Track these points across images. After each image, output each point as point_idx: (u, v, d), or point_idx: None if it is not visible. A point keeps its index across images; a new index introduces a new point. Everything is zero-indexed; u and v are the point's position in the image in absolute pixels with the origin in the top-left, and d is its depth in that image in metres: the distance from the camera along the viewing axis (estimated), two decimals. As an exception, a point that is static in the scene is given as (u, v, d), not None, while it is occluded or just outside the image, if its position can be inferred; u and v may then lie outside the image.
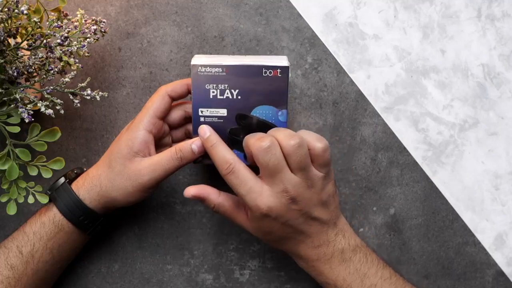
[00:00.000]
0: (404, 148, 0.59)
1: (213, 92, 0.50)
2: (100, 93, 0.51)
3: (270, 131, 0.49)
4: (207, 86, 0.50)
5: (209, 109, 0.51)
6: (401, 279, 0.51)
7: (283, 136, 0.46)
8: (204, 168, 0.59)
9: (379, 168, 0.59)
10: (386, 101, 0.59)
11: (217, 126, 0.51)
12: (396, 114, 0.59)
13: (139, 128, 0.51)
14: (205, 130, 0.49)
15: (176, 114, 0.53)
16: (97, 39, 0.52)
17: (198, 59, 0.50)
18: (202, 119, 0.51)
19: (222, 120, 0.51)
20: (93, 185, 0.51)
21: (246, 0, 0.58)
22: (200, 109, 0.51)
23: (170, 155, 0.50)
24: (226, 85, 0.50)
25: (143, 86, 0.59)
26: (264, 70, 0.49)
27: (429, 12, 0.58)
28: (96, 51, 0.58)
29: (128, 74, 0.59)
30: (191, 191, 0.50)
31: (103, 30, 0.53)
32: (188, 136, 0.55)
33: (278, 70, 0.49)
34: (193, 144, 0.50)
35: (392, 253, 0.60)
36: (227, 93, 0.50)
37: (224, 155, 0.47)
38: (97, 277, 0.60)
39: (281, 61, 0.50)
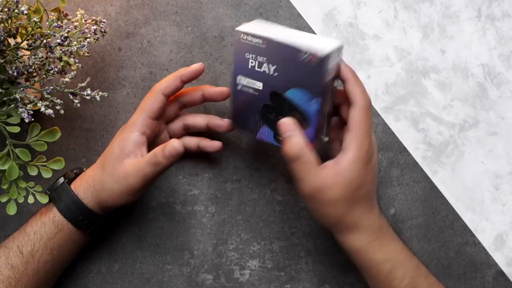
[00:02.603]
0: (404, 148, 0.59)
1: (251, 62, 0.48)
2: (100, 93, 0.51)
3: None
4: (247, 55, 0.48)
5: (247, 79, 0.49)
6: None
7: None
8: (205, 168, 0.59)
9: (379, 168, 0.59)
10: (386, 101, 0.59)
11: (251, 98, 0.50)
12: (396, 114, 0.59)
13: (132, 130, 0.51)
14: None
15: (171, 110, 0.53)
16: (97, 39, 0.52)
17: (245, 27, 0.49)
18: (239, 87, 0.50)
19: (257, 93, 0.50)
20: (88, 185, 0.52)
21: (246, 0, 0.58)
22: (238, 77, 0.50)
23: (148, 159, 0.49)
24: (265, 58, 0.48)
25: (143, 86, 0.59)
26: (301, 54, 0.47)
27: (429, 12, 0.58)
28: (96, 51, 0.58)
29: (128, 74, 0.59)
30: (287, 120, 0.48)
31: (103, 30, 0.53)
32: (187, 129, 0.55)
33: (317, 56, 0.46)
34: (165, 149, 0.48)
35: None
36: (265, 67, 0.48)
37: (365, 89, 0.48)
38: (97, 277, 0.60)
39: (326, 46, 0.47)
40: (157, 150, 0.49)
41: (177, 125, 0.55)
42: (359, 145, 0.47)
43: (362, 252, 0.49)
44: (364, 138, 0.47)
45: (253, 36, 0.48)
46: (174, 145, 0.48)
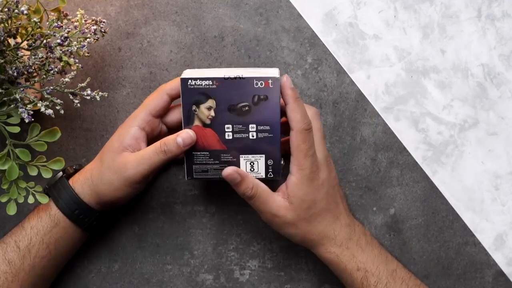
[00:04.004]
0: (404, 148, 0.59)
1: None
2: (100, 93, 0.51)
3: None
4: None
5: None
6: (407, 270, 0.53)
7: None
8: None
9: (379, 168, 0.59)
10: (386, 101, 0.59)
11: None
12: (396, 114, 0.59)
13: (132, 124, 0.51)
14: (290, 81, 0.49)
15: (175, 116, 0.53)
16: (97, 39, 0.52)
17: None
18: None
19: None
20: (86, 178, 0.52)
21: (246, 0, 0.58)
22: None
23: (155, 148, 0.49)
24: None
25: (143, 86, 0.59)
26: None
27: (429, 12, 0.58)
28: (96, 51, 0.58)
29: (128, 74, 0.59)
30: (228, 169, 0.49)
31: (103, 30, 0.53)
32: None
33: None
34: (179, 137, 0.49)
35: (392, 253, 0.60)
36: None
37: (306, 113, 0.48)
38: (97, 277, 0.60)
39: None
40: (167, 139, 0.49)
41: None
42: (299, 167, 0.49)
43: (335, 262, 0.51)
44: (304, 160, 0.48)
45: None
46: (190, 132, 0.50)
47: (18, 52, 0.48)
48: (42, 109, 0.47)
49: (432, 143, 0.59)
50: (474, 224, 0.59)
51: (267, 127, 0.50)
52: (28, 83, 0.50)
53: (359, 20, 0.58)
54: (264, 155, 0.51)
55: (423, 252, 0.60)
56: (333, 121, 0.59)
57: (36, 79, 0.50)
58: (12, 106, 0.48)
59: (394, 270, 0.51)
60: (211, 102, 0.50)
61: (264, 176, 0.51)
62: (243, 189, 0.49)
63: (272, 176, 0.51)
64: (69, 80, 0.49)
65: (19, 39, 0.49)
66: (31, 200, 0.50)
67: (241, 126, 0.50)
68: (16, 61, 0.48)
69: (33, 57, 0.48)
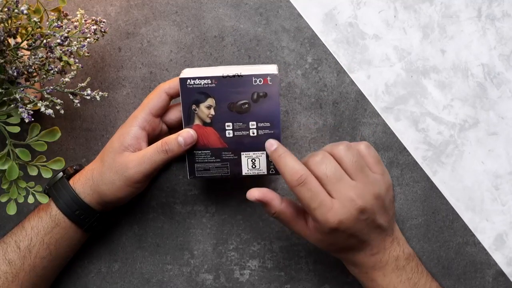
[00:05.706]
0: (404, 148, 0.59)
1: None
2: (100, 93, 0.51)
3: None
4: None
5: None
6: None
7: (330, 146, 0.48)
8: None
9: (379, 168, 0.59)
10: (386, 101, 0.59)
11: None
12: (396, 114, 0.59)
13: (132, 124, 0.51)
14: (272, 143, 0.48)
15: (174, 115, 0.54)
16: (97, 39, 0.52)
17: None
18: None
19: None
20: (87, 179, 0.52)
21: (246, 0, 0.58)
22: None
23: (156, 148, 0.50)
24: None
25: (143, 86, 0.59)
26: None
27: (429, 12, 0.58)
28: (96, 51, 0.58)
29: (128, 74, 0.59)
30: (255, 194, 0.48)
31: (103, 30, 0.53)
32: None
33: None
34: (180, 137, 0.50)
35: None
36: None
37: (294, 166, 0.46)
38: (97, 277, 0.60)
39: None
40: (168, 139, 0.50)
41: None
42: (312, 218, 0.47)
43: (356, 277, 0.51)
44: (311, 214, 0.46)
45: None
46: (191, 132, 0.50)
47: (18, 52, 0.48)
48: (42, 109, 0.47)
49: (432, 143, 0.59)
50: (474, 224, 0.59)
51: (267, 124, 0.50)
52: (28, 83, 0.50)
53: (359, 20, 0.58)
54: (265, 152, 0.51)
55: (423, 252, 0.60)
56: (333, 121, 0.59)
57: (36, 79, 0.50)
58: (12, 106, 0.48)
59: None
60: (210, 101, 0.50)
61: (265, 173, 0.52)
62: (267, 211, 0.49)
63: (274, 172, 0.52)
64: (69, 80, 0.49)
65: (19, 39, 0.49)
66: (31, 200, 0.50)
67: (241, 123, 0.50)
68: (16, 61, 0.48)
69: (33, 57, 0.48)
